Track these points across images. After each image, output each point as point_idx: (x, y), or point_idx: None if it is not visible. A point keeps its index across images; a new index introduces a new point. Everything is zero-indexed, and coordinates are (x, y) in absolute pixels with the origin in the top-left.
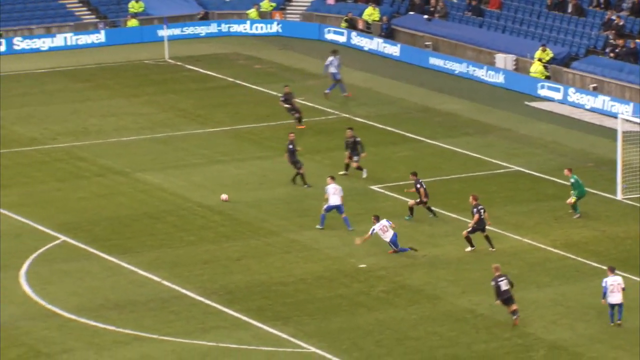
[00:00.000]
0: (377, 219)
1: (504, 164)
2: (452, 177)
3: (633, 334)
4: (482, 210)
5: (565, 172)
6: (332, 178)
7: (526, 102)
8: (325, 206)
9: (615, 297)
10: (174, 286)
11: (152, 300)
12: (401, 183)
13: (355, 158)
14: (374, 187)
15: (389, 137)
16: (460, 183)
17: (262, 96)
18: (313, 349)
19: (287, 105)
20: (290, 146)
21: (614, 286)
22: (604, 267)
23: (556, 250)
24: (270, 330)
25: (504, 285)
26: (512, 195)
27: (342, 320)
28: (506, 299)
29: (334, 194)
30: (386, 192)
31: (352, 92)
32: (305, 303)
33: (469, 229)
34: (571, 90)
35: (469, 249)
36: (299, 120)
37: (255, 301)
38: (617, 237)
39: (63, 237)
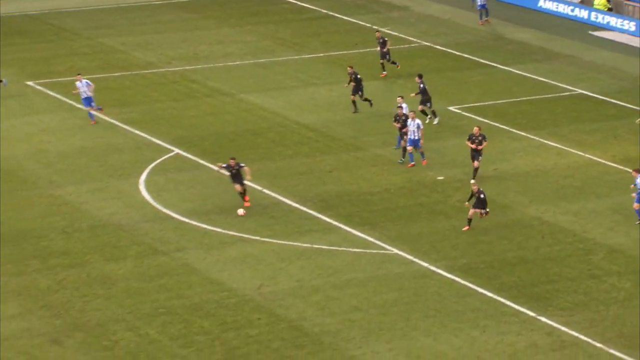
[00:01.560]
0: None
1: (569, 87)
2: (522, 99)
3: None
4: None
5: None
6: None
7: (590, 32)
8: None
9: None
10: (273, 194)
11: (254, 207)
12: (477, 104)
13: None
14: (451, 108)
15: (465, 63)
16: (529, 105)
17: (352, 26)
18: (395, 251)
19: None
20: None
21: None
22: None
23: (615, 165)
24: (358, 233)
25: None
26: (576, 116)
27: (422, 226)
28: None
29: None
30: (463, 113)
31: (431, 23)
32: (389, 210)
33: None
34: (631, 22)
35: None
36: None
37: (345, 208)
38: None
39: (176, 150)
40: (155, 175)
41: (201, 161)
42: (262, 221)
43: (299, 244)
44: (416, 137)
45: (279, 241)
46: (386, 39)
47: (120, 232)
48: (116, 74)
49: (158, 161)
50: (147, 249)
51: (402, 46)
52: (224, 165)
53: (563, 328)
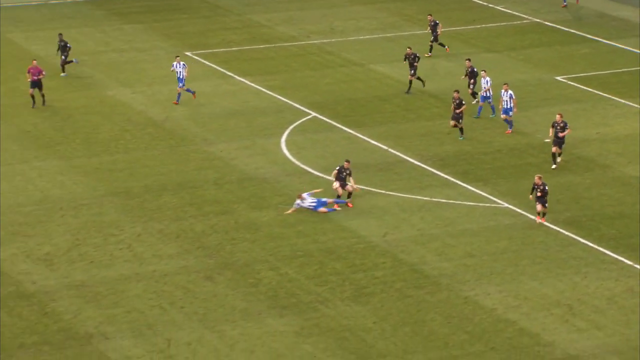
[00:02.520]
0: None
1: None
2: (623, 71)
3: None
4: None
5: None
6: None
7: None
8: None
9: None
10: (397, 153)
11: (380, 164)
12: (582, 75)
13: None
14: (558, 78)
15: (572, 37)
16: (630, 75)
17: (472, 4)
18: (506, 205)
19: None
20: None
21: None
22: None
23: None
24: (472, 189)
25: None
26: None
27: (530, 183)
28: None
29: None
30: (569, 82)
31: (542, 2)
32: (501, 169)
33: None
34: None
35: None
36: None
37: (461, 166)
38: None
39: (313, 113)
40: (295, 135)
41: (335, 123)
42: (387, 177)
43: (420, 197)
44: (508, 107)
45: (402, 194)
46: (437, 22)
47: (264, 184)
48: (261, 46)
49: (297, 123)
50: (287, 199)
51: (514, 22)
52: (337, 168)
53: None
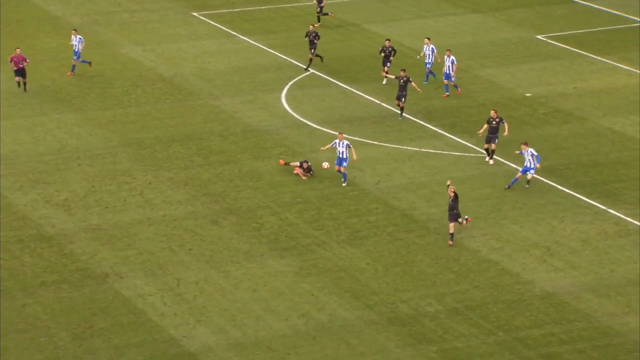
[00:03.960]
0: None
1: (639, 19)
2: (599, 30)
3: None
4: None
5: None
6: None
7: None
8: None
9: None
10: (389, 107)
11: (373, 117)
12: (560, 34)
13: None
14: (539, 37)
15: None
16: (604, 34)
17: None
18: None
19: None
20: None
21: None
22: None
23: None
24: (459, 140)
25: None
26: None
27: (512, 134)
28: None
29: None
30: (548, 41)
31: None
32: (484, 121)
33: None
34: None
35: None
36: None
37: (448, 119)
38: None
39: (311, 70)
40: (294, 90)
41: (331, 79)
42: (379, 129)
43: (410, 148)
44: (450, 72)
45: (393, 145)
46: None
47: (265, 136)
48: (263, 7)
49: (296, 79)
50: (287, 150)
51: None
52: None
53: (629, 219)
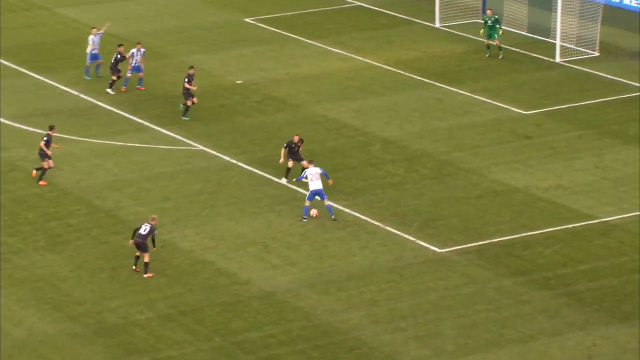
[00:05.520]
0: (311, 163)
1: (349, 0)
2: (309, 11)
3: (447, 131)
4: None
5: (488, 12)
6: (311, 161)
7: None
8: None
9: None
10: (89, 98)
11: (72, 109)
12: (270, 16)
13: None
14: (247, 19)
15: None
16: (315, 16)
17: None
18: (201, 147)
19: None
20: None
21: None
22: (426, 80)
23: (389, 67)
24: (167, 132)
25: (142, 230)
26: (355, 25)
27: (223, 125)
28: (139, 243)
29: (312, 180)
30: (257, 24)
31: None
32: (194, 110)
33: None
34: None
35: None
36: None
37: (154, 110)
38: (435, 56)
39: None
40: None
41: (21, 69)
42: (79, 122)
43: (114, 142)
44: (138, 64)
45: (95, 140)
46: None
47: None
48: None
49: None
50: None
51: None
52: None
53: (347, 210)
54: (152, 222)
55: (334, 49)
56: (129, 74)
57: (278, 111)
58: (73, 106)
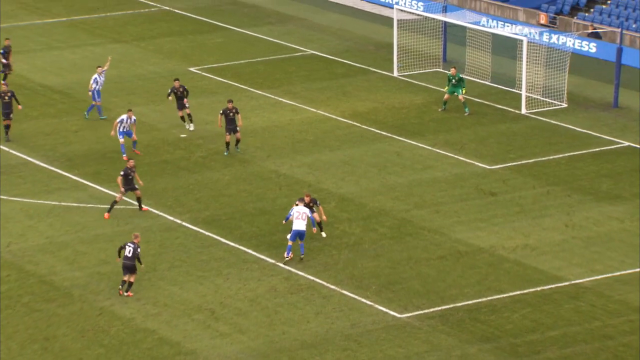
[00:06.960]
0: (301, 201)
1: (301, 48)
2: (258, 60)
3: (407, 187)
4: None
5: (452, 71)
6: (302, 199)
7: None
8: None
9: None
10: (20, 154)
11: (2, 166)
12: (216, 65)
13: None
14: (192, 69)
15: (204, 26)
16: (265, 65)
17: None
18: (145, 207)
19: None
20: None
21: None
22: (384, 133)
23: (344, 120)
24: (105, 190)
25: (127, 252)
26: (307, 75)
27: (167, 181)
28: (128, 266)
29: (297, 219)
30: (203, 73)
31: None
32: (137, 166)
33: None
34: None
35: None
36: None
37: (92, 167)
38: (394, 107)
39: None
40: None
41: None
42: (9, 180)
43: (48, 202)
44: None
45: (27, 200)
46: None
47: None
48: None
49: None
50: None
51: (141, 10)
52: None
53: (300, 272)
54: (136, 241)
55: (285, 100)
56: (121, 139)
57: (225, 167)
58: (3, 163)
